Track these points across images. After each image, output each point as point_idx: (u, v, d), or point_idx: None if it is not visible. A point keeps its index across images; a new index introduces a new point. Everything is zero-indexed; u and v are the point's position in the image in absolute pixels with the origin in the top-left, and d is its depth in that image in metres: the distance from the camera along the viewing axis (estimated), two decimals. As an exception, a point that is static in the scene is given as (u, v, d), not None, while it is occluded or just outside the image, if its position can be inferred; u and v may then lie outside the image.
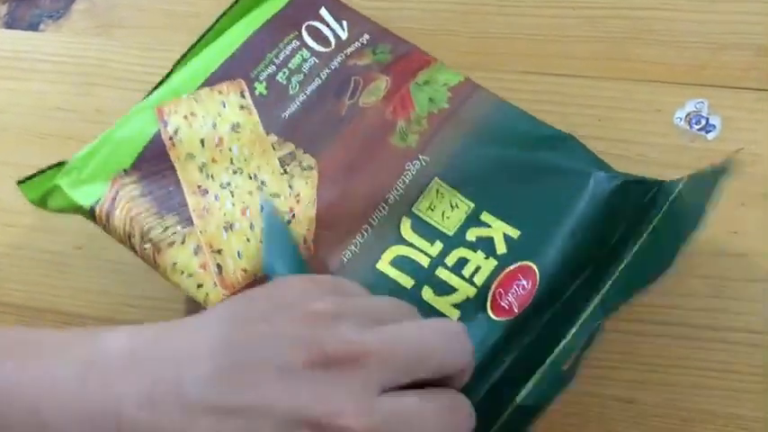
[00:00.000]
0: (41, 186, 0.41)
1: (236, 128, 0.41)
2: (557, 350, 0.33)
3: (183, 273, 0.39)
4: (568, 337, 0.34)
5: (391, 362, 0.27)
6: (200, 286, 0.39)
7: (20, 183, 0.41)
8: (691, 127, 0.45)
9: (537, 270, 0.36)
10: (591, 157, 0.39)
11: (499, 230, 0.38)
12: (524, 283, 0.36)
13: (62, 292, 0.48)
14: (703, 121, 0.45)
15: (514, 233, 0.37)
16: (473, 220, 0.38)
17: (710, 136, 0.45)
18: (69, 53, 0.53)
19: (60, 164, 0.41)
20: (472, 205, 0.38)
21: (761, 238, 0.42)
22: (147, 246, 0.39)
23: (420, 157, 0.40)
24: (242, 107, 0.42)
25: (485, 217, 0.38)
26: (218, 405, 0.26)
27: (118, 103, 0.50)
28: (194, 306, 0.40)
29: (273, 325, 0.28)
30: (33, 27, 0.54)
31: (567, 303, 0.36)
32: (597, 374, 0.42)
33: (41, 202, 0.42)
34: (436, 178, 0.39)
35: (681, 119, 0.45)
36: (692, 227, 0.34)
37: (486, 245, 0.38)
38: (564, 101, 0.47)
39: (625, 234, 0.37)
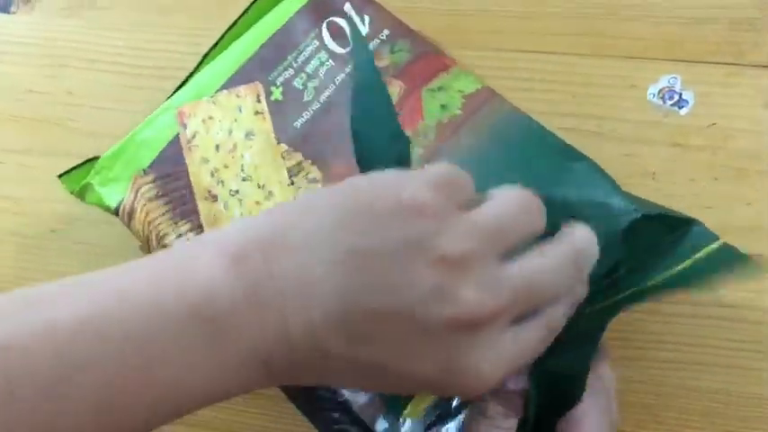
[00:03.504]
0: (78, 180, 0.42)
1: (250, 135, 0.42)
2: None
3: None
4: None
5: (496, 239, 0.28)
6: None
7: (60, 176, 0.42)
8: (664, 102, 0.45)
9: None
10: (606, 183, 0.37)
11: None
12: None
13: (36, 275, 0.47)
14: (676, 97, 0.45)
15: None
16: None
17: (683, 111, 0.45)
18: (40, 35, 0.52)
19: (93, 159, 0.42)
20: None
21: (734, 213, 0.43)
22: None
23: None
24: (257, 113, 0.42)
25: None
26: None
27: (89, 84, 0.50)
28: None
29: (406, 271, 0.26)
30: (4, 9, 0.53)
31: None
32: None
33: (80, 195, 0.43)
34: None
35: (654, 94, 0.45)
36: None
37: None
38: (538, 77, 0.46)
39: (634, 266, 0.34)
